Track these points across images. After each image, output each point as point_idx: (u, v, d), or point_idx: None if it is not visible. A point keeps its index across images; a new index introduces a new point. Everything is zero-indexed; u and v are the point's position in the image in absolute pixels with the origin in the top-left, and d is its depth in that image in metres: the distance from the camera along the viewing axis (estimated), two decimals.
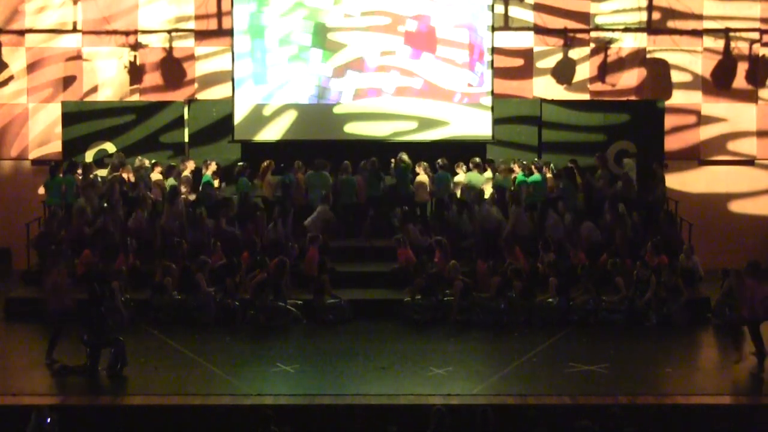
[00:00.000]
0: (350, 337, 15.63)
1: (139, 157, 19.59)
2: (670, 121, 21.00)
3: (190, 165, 19.42)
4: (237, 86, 20.24)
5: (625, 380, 13.24)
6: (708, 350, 13.91)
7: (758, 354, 13.77)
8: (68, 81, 21.39)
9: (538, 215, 18.28)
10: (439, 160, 19.23)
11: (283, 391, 12.75)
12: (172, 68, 21.32)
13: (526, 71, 21.48)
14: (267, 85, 20.25)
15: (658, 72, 21.44)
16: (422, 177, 19.10)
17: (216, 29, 21.33)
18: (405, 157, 19.29)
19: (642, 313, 16.09)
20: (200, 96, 21.33)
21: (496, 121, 20.29)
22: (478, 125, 20.26)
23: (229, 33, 20.40)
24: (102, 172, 19.51)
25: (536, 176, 18.79)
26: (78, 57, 21.36)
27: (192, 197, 18.86)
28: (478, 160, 19.27)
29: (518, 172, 19.16)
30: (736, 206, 21.57)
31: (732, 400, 12.54)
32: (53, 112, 21.18)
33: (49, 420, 10.51)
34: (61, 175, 18.87)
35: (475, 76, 20.19)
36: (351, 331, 15.90)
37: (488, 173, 19.34)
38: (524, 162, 19.42)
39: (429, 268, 16.93)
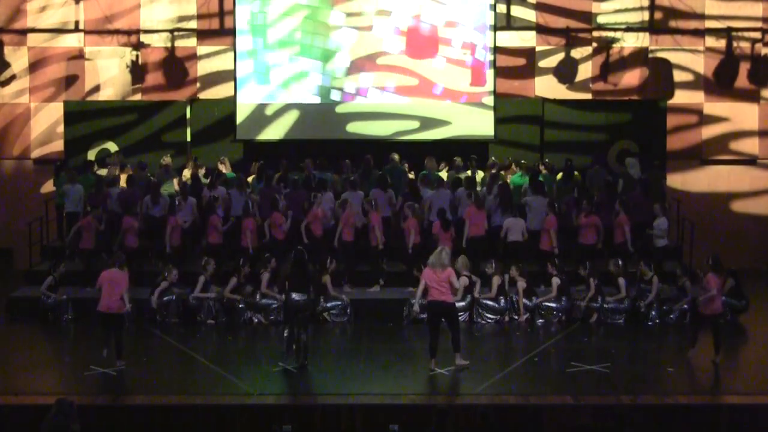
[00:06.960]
0: (352, 337, 15.67)
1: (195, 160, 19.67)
2: (672, 120, 20.99)
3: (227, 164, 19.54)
4: (239, 86, 20.25)
5: (626, 380, 13.23)
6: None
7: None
8: (70, 80, 21.40)
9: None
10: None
11: (284, 391, 12.75)
12: (174, 68, 21.32)
13: (528, 71, 21.46)
14: (269, 85, 20.26)
15: (660, 71, 21.41)
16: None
17: (218, 29, 21.33)
18: (396, 157, 19.26)
19: (644, 314, 16.09)
20: (202, 95, 21.33)
21: (498, 121, 20.29)
22: (480, 125, 20.25)
23: (231, 32, 20.41)
24: (102, 172, 19.52)
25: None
26: (80, 56, 21.37)
27: None
28: (458, 159, 19.26)
29: (516, 171, 19.17)
30: (738, 206, 21.54)
31: (733, 399, 12.51)
32: (55, 111, 21.18)
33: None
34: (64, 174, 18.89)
35: (477, 76, 20.18)
36: (352, 331, 15.94)
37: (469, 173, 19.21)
38: (523, 162, 19.48)
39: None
